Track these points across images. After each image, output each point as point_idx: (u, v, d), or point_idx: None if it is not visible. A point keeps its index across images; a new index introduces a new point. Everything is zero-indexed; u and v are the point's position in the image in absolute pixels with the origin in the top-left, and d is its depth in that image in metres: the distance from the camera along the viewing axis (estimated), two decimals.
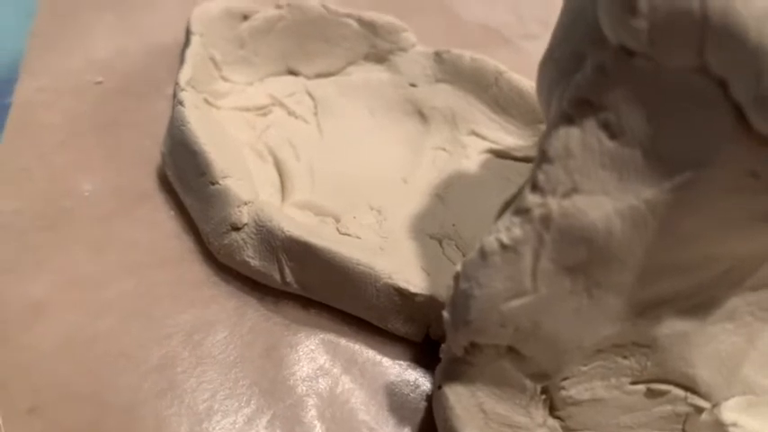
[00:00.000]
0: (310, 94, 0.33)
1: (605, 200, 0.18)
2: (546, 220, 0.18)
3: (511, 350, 0.21)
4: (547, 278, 0.19)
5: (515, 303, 0.19)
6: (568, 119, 0.18)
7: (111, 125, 0.32)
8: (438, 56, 0.33)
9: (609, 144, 0.18)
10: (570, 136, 0.18)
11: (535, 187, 0.18)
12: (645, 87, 0.17)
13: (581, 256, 0.19)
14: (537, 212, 0.18)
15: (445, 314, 0.21)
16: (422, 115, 0.32)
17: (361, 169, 0.30)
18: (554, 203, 0.18)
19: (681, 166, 0.17)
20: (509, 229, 0.19)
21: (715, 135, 0.17)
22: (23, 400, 0.23)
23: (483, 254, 0.19)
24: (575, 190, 0.18)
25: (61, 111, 0.32)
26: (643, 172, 0.18)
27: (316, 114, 0.32)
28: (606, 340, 0.21)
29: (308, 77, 0.33)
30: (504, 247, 0.19)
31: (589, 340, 0.20)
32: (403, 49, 0.33)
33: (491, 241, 0.19)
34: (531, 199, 0.18)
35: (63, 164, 0.30)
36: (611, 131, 0.18)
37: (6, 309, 0.25)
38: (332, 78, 0.33)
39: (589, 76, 0.17)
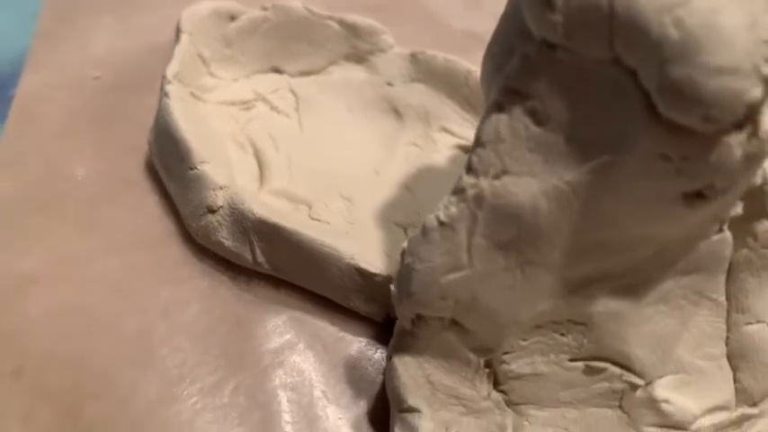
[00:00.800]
0: (293, 91, 0.34)
1: (532, 181, 0.19)
2: (479, 199, 0.20)
3: (454, 323, 0.22)
4: (480, 254, 0.20)
5: (453, 277, 0.21)
6: (499, 106, 0.20)
7: (106, 117, 0.34)
8: (414, 57, 0.35)
9: (535, 129, 0.19)
10: (500, 122, 0.19)
11: (469, 169, 0.20)
12: (566, 77, 0.19)
13: (511, 233, 0.20)
14: (470, 192, 0.20)
15: (392, 287, 0.22)
16: (397, 113, 0.34)
17: (336, 162, 0.32)
18: (486, 184, 0.20)
19: (598, 151, 0.19)
20: (447, 208, 0.20)
21: (628, 121, 0.18)
22: (8, 362, 0.25)
23: (424, 230, 0.21)
24: (504, 172, 0.20)
25: (60, 103, 0.35)
26: (566, 156, 0.19)
27: (297, 110, 0.34)
28: (543, 316, 0.22)
29: (292, 75, 0.35)
30: (441, 224, 0.20)
31: (525, 315, 0.22)
32: (381, 50, 0.35)
33: (431, 219, 0.21)
34: (466, 180, 0.20)
35: (59, 152, 0.32)
36: (537, 118, 0.19)
37: None
38: (313, 77, 0.35)
39: (516, 66, 0.19)
